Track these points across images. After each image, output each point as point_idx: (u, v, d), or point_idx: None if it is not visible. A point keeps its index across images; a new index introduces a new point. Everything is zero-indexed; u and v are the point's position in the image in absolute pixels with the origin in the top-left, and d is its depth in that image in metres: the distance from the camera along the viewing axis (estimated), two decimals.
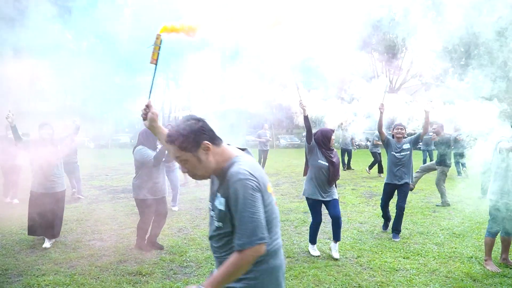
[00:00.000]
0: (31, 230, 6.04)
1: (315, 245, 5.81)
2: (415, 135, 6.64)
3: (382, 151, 15.33)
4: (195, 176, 2.19)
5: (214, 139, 2.15)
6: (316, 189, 5.58)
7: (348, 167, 16.35)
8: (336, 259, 5.46)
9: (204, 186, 11.69)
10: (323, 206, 5.74)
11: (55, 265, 5.19)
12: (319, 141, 5.63)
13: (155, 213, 5.85)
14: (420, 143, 14.11)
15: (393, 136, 6.73)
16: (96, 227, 7.03)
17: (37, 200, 5.98)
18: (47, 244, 5.96)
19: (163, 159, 5.68)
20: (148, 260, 5.38)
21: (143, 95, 2.65)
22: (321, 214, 5.74)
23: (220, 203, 2.09)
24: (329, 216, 5.79)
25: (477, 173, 10.16)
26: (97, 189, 11.31)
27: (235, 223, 2.01)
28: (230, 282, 2.01)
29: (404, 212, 6.60)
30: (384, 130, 6.67)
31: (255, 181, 2.01)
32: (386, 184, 6.75)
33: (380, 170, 14.37)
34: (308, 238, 5.90)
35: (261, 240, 1.97)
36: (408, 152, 6.51)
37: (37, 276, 4.82)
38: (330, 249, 5.78)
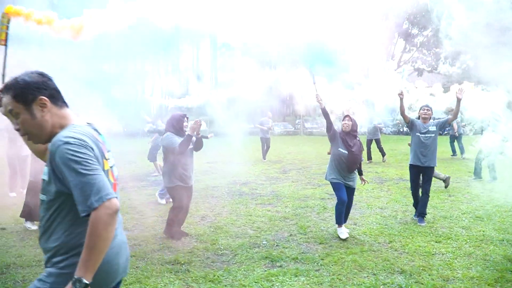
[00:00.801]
0: (26, 214, 6.16)
1: (343, 226, 5.83)
2: (443, 119, 6.64)
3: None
4: (31, 136, 1.98)
5: (56, 99, 1.98)
6: (338, 174, 5.79)
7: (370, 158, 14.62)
8: (344, 239, 5.62)
9: (213, 174, 11.62)
10: None
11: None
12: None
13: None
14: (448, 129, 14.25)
15: (418, 117, 6.71)
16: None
17: (35, 188, 5.99)
18: (30, 225, 6.13)
19: (190, 146, 5.59)
20: (182, 249, 5.29)
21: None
22: (345, 193, 5.75)
23: (44, 173, 1.94)
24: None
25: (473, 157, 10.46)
26: None
27: (72, 192, 1.79)
28: (101, 256, 1.77)
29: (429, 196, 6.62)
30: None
31: (83, 142, 1.84)
32: (410, 166, 6.74)
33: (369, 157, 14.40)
34: (335, 220, 5.90)
35: (109, 195, 1.78)
36: (434, 134, 6.47)
37: None
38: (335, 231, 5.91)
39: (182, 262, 4.83)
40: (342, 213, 5.76)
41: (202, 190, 9.21)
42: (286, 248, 5.33)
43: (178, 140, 5.54)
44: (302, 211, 7.26)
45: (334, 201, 8.03)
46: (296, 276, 4.42)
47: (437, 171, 8.70)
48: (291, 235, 5.90)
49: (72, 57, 5.22)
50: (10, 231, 6.09)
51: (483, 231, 6.00)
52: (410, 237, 5.80)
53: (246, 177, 11.13)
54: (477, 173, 10.25)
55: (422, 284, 4.23)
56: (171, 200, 6.07)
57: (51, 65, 3.94)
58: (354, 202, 6.46)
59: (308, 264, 4.77)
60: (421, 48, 35.68)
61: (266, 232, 6.01)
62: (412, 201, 6.91)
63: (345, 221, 5.95)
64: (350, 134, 5.81)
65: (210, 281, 4.30)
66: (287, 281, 4.30)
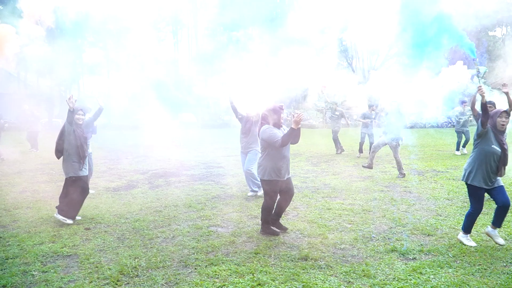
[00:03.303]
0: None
1: (469, 234, 5.27)
2: None
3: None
4: None
5: None
6: (482, 176, 5.06)
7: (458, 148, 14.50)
8: (502, 245, 5.08)
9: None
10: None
11: (225, 256, 4.92)
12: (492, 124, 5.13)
13: (280, 193, 5.69)
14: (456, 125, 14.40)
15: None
16: (193, 214, 6.75)
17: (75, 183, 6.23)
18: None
19: (293, 140, 5.51)
20: (299, 245, 5.23)
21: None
22: (483, 202, 5.22)
23: None
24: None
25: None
26: (138, 173, 10.82)
27: None
28: None
29: None
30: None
31: None
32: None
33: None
34: (463, 226, 5.29)
35: None
36: None
37: (210, 276, 4.56)
38: (486, 234, 5.31)
39: (313, 257, 4.76)
40: (473, 222, 5.23)
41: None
42: (400, 240, 5.36)
43: (278, 132, 5.45)
44: (376, 204, 7.31)
45: (395, 192, 8.16)
46: (441, 267, 4.46)
47: None
48: (390, 227, 5.93)
49: None
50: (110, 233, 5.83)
51: None
52: None
53: None
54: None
55: None
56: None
57: None
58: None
59: (439, 256, 4.81)
60: None
61: (364, 226, 6.02)
62: None
63: (499, 226, 5.15)
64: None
65: (364, 276, 4.27)
66: (438, 272, 4.33)
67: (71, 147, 6.16)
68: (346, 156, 14.66)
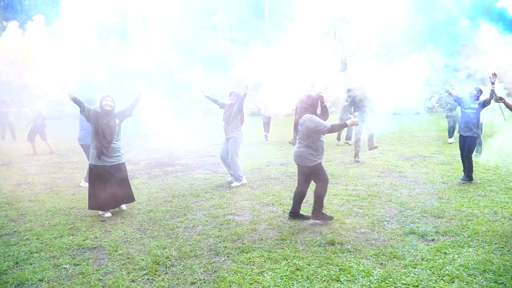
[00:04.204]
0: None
1: None
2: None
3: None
4: None
5: None
6: None
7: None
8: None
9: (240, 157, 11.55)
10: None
11: (252, 243, 5.00)
12: None
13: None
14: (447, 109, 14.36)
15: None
16: (204, 203, 6.78)
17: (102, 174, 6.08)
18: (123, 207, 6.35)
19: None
20: (320, 231, 5.38)
21: None
22: None
23: None
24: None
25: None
26: (131, 164, 10.66)
27: None
28: None
29: None
30: None
31: None
32: None
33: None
34: None
35: None
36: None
37: (276, 262, 4.65)
38: None
39: (339, 242, 4.93)
40: None
41: (256, 171, 9.24)
42: (414, 223, 5.61)
43: (323, 121, 5.64)
44: (378, 189, 7.56)
45: (392, 177, 8.46)
46: (462, 247, 4.73)
47: None
48: (400, 211, 6.19)
49: None
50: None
51: None
52: None
53: (276, 158, 11.25)
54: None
55: None
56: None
57: None
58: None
59: (455, 236, 5.09)
60: None
61: (374, 210, 6.25)
62: None
63: None
64: None
65: (394, 257, 4.47)
66: (460, 252, 4.58)
67: (93, 134, 6.05)
68: (331, 143, 14.96)
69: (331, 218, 5.75)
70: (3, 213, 6.30)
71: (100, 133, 5.95)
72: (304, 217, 5.83)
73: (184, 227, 5.59)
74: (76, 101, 5.96)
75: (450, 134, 14.17)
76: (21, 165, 10.77)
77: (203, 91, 8.52)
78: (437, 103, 15.04)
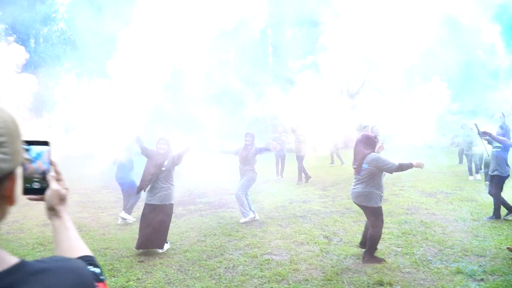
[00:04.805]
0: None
1: None
2: None
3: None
4: None
5: None
6: None
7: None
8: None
9: (252, 196, 11.51)
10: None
11: (299, 284, 4.93)
12: None
13: None
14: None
15: None
16: (238, 242, 6.73)
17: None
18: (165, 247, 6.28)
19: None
20: (364, 270, 5.31)
21: None
22: None
23: None
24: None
25: None
26: None
27: None
28: None
29: None
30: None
31: None
32: None
33: None
34: None
35: None
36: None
37: None
38: None
39: (388, 282, 4.86)
40: None
41: (281, 209, 9.20)
42: (457, 262, 5.54)
43: (389, 160, 5.69)
44: (410, 227, 7.50)
45: (420, 214, 8.41)
46: None
47: None
48: (440, 250, 6.11)
49: None
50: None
51: None
52: None
53: (297, 196, 11.21)
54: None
55: None
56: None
57: None
58: None
59: (504, 276, 5.01)
60: None
61: (413, 249, 6.17)
62: None
63: None
64: None
65: None
66: None
67: (144, 171, 6.34)
68: (347, 180, 14.92)
69: (382, 260, 5.66)
70: (38, 254, 6.25)
71: (151, 172, 6.18)
72: (378, 260, 5.68)
73: (225, 268, 5.53)
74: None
75: (471, 172, 14.01)
76: (43, 204, 10.72)
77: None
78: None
